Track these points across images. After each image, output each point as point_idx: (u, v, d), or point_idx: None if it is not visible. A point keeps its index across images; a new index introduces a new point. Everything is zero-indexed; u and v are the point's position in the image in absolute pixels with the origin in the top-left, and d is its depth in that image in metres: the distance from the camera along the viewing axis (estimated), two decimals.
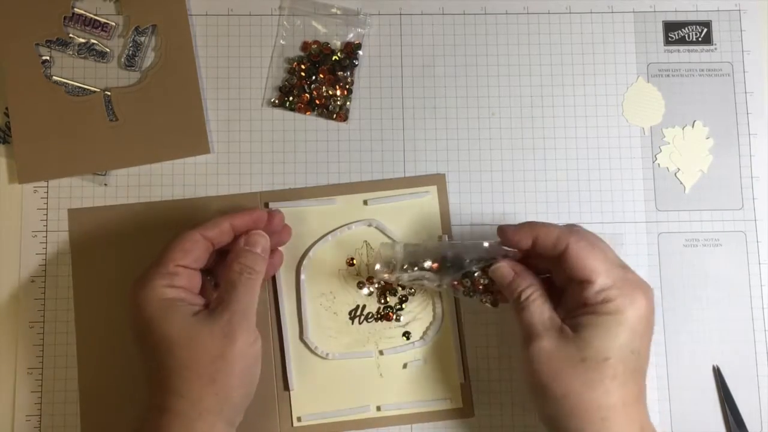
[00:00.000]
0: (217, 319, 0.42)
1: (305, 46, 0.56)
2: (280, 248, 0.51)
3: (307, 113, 0.55)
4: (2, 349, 0.53)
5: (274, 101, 0.55)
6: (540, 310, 0.44)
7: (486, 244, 0.47)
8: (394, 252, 0.48)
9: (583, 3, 0.57)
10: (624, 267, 0.44)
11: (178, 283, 0.44)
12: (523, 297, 0.44)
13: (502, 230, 0.46)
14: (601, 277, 0.42)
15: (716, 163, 0.56)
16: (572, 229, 0.44)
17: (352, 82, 0.55)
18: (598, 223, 0.55)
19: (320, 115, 0.55)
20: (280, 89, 0.55)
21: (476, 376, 0.53)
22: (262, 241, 0.46)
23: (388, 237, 0.54)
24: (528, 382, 0.43)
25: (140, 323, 0.43)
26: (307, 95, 0.55)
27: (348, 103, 0.55)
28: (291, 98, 0.55)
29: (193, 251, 0.45)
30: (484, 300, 0.48)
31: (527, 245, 0.45)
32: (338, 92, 0.55)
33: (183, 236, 0.45)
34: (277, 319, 0.53)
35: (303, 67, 0.55)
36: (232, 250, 0.46)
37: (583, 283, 0.43)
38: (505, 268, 0.46)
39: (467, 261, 0.48)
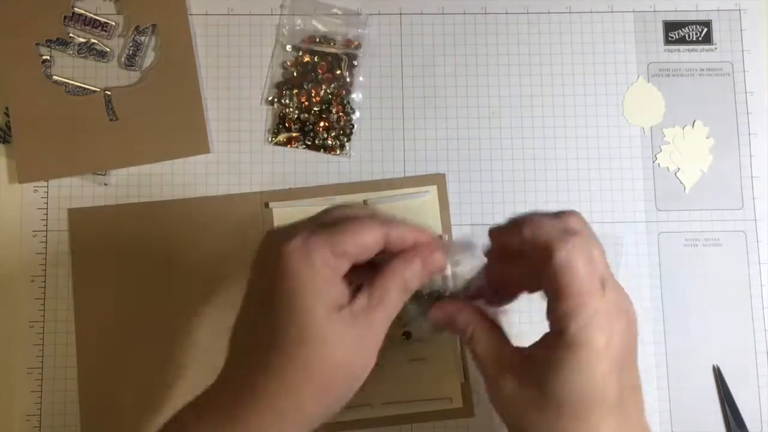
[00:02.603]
0: (358, 326, 0.37)
1: (305, 45, 0.56)
2: None
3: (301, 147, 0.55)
4: (2, 349, 0.52)
5: (271, 99, 0.55)
6: (487, 346, 0.39)
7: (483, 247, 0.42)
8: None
9: (583, 3, 0.57)
10: (605, 287, 0.37)
11: (338, 267, 0.37)
12: (468, 334, 0.40)
13: (490, 233, 0.41)
14: (568, 301, 0.36)
15: (716, 162, 0.56)
16: (566, 235, 0.37)
17: (352, 83, 0.55)
18: (598, 223, 0.55)
19: (318, 147, 0.55)
20: (278, 86, 0.55)
21: (476, 376, 0.53)
22: (435, 271, 0.40)
23: None
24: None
25: (281, 289, 0.36)
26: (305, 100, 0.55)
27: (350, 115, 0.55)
28: (288, 95, 0.55)
29: (369, 250, 0.38)
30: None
31: (513, 246, 0.39)
32: (336, 109, 0.55)
33: (367, 229, 0.37)
34: None
35: (302, 66, 0.55)
36: (404, 259, 0.39)
37: (558, 300, 0.36)
38: (442, 310, 0.41)
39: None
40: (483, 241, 0.42)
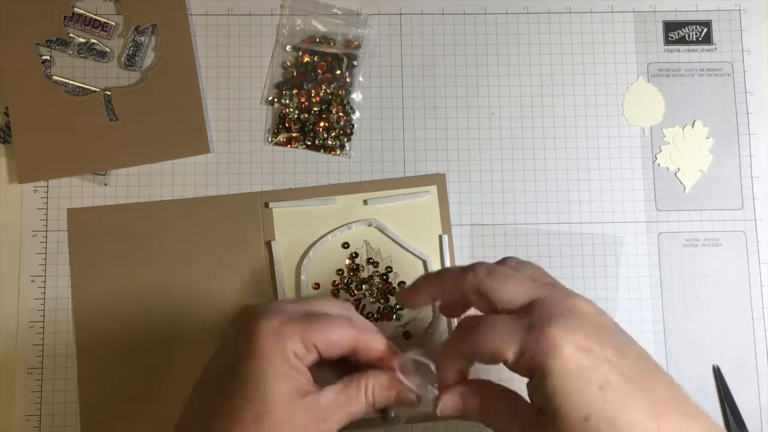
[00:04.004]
0: (318, 416, 0.37)
1: (305, 45, 0.56)
2: None
3: (300, 146, 0.55)
4: (2, 349, 0.52)
5: (271, 99, 0.55)
6: (504, 415, 0.37)
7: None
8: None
9: (583, 3, 0.57)
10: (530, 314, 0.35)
11: (306, 357, 0.38)
12: (483, 413, 0.38)
13: (399, 296, 0.40)
14: (508, 351, 0.34)
15: (716, 163, 0.56)
16: (468, 268, 0.37)
17: (352, 83, 0.55)
18: (598, 222, 0.55)
19: (318, 147, 0.55)
20: (278, 86, 0.55)
21: (476, 376, 0.52)
22: (402, 393, 0.40)
23: (388, 237, 0.54)
24: None
25: (248, 368, 0.37)
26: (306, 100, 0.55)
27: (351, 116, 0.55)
28: (288, 95, 0.55)
29: (335, 351, 0.38)
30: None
31: (426, 305, 0.40)
32: (337, 112, 0.55)
33: (339, 330, 0.38)
34: None
35: (302, 66, 0.55)
36: (379, 373, 0.39)
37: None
38: (447, 406, 0.39)
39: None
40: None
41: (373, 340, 0.39)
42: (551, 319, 0.34)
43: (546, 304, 0.35)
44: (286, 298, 0.40)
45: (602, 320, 0.36)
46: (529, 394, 0.36)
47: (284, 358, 0.37)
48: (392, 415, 0.42)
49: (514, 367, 0.35)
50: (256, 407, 0.36)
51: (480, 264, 0.38)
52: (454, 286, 0.38)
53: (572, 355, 0.33)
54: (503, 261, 0.41)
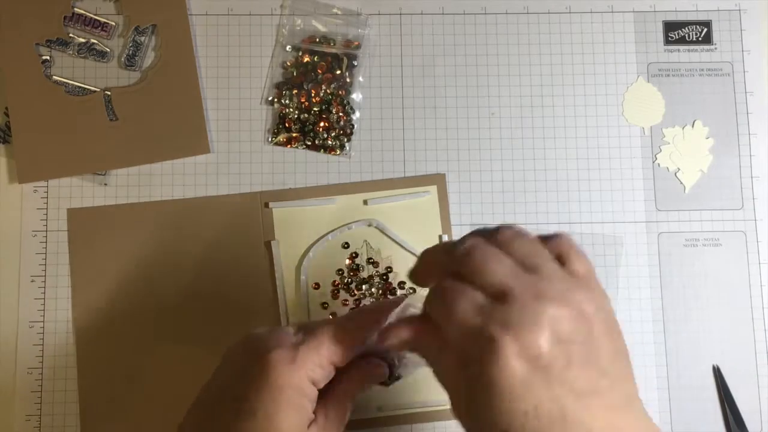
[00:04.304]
0: None
1: (305, 45, 0.56)
2: None
3: (300, 146, 0.55)
4: (2, 349, 0.52)
5: (271, 99, 0.55)
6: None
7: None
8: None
9: (583, 3, 0.57)
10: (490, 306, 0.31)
11: (324, 378, 0.37)
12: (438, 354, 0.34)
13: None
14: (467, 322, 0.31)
15: (716, 163, 0.56)
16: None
17: (352, 83, 0.55)
18: (598, 222, 0.55)
19: (318, 148, 0.55)
20: (278, 86, 0.55)
21: None
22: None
23: (388, 237, 0.54)
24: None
25: (259, 396, 0.35)
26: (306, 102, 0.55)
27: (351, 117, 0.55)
28: (288, 95, 0.55)
29: (337, 362, 0.37)
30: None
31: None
32: (338, 112, 0.55)
33: (338, 342, 0.37)
34: (277, 319, 0.53)
35: (302, 66, 0.55)
36: (348, 377, 0.39)
37: None
38: (399, 332, 0.35)
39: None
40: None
41: (394, 327, 0.35)
42: (508, 325, 0.30)
43: (515, 303, 0.30)
44: (290, 326, 0.40)
45: (570, 336, 0.30)
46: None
47: (299, 389, 0.36)
48: (397, 373, 0.41)
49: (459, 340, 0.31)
50: None
51: (469, 239, 0.33)
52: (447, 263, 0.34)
53: (511, 374, 0.29)
54: (497, 230, 0.34)
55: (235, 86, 0.56)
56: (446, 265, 0.33)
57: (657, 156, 0.56)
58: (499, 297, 0.31)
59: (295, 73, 0.56)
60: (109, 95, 0.55)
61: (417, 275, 0.36)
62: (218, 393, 0.37)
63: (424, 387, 0.52)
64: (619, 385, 0.31)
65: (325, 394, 0.38)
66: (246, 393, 0.35)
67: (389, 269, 0.53)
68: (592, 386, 0.30)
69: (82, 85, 0.55)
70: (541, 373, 0.30)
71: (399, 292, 0.53)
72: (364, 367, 0.39)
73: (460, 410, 0.32)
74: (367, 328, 0.37)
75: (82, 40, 0.55)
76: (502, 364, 0.29)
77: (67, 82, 0.55)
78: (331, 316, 0.53)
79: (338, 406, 0.38)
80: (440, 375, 0.34)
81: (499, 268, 0.32)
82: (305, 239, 0.53)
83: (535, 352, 0.29)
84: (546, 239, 0.34)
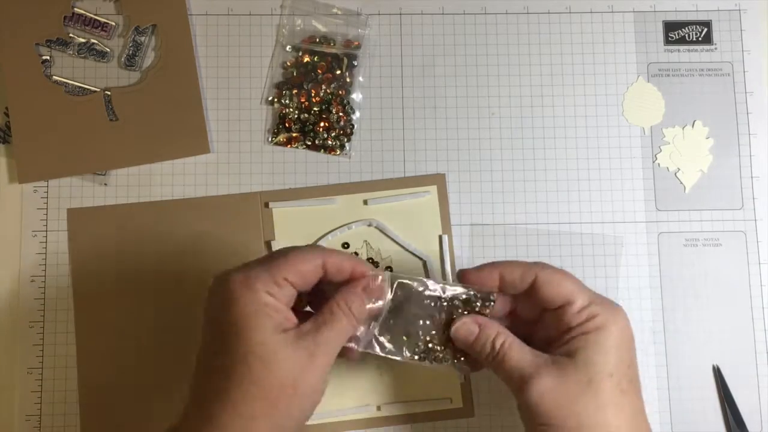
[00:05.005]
0: (304, 348, 0.39)
1: (305, 45, 0.56)
2: None
3: (300, 146, 0.55)
4: (2, 349, 0.52)
5: (271, 99, 0.55)
6: (522, 351, 0.41)
7: (450, 293, 0.43)
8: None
9: (583, 3, 0.57)
10: (593, 291, 0.43)
11: (280, 295, 0.40)
12: (497, 346, 0.41)
13: (464, 274, 0.43)
14: (580, 297, 0.41)
15: (716, 163, 0.56)
16: (537, 263, 0.43)
17: (352, 83, 0.55)
18: (598, 222, 0.55)
19: (317, 147, 0.55)
20: (278, 86, 0.55)
21: (476, 376, 0.53)
22: (376, 299, 0.42)
23: (388, 237, 0.54)
24: (535, 427, 0.40)
25: (227, 318, 0.39)
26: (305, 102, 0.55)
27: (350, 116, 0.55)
28: (288, 95, 0.55)
29: (307, 277, 0.41)
30: (457, 363, 0.43)
31: (493, 286, 0.43)
32: (337, 111, 0.55)
33: (304, 256, 0.41)
34: None
35: (302, 66, 0.55)
36: (347, 286, 0.42)
37: (563, 307, 0.41)
38: (467, 325, 0.42)
39: (421, 323, 0.43)
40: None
41: (342, 258, 0.42)
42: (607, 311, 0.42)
43: (601, 308, 0.41)
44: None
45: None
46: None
47: (257, 299, 0.39)
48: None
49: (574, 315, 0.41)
50: (241, 348, 0.38)
51: (543, 263, 0.43)
52: (521, 276, 0.42)
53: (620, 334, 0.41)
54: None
55: (235, 86, 0.56)
56: (526, 274, 0.42)
57: (657, 156, 0.56)
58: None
59: (295, 73, 0.56)
60: (109, 95, 0.55)
61: (476, 274, 0.43)
62: (204, 329, 0.41)
63: (424, 386, 0.52)
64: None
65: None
66: (219, 318, 0.40)
67: (389, 269, 0.53)
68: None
69: (82, 85, 0.55)
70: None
71: None
72: (358, 281, 0.42)
73: (543, 383, 0.40)
74: (321, 259, 0.41)
75: (82, 40, 0.55)
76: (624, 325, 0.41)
77: (67, 82, 0.55)
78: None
79: (329, 310, 0.41)
80: (511, 359, 0.41)
81: (581, 284, 0.43)
82: (305, 239, 0.53)
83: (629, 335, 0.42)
84: None
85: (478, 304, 0.43)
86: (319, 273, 0.42)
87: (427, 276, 0.53)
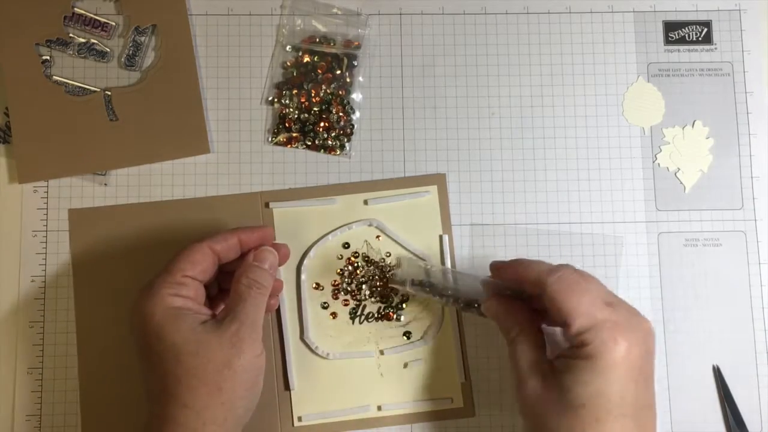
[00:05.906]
0: (225, 329, 0.42)
1: (305, 45, 0.56)
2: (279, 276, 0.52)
3: (300, 146, 0.55)
4: (2, 349, 0.52)
5: (271, 99, 0.55)
6: (524, 352, 0.43)
7: (480, 283, 0.47)
8: (403, 269, 0.51)
9: (583, 3, 0.57)
10: (612, 305, 0.42)
11: (185, 293, 0.44)
12: (509, 338, 0.44)
13: (492, 265, 0.47)
14: (579, 320, 0.40)
15: (716, 163, 0.56)
16: (555, 268, 0.43)
17: (352, 83, 0.55)
18: (598, 223, 0.55)
19: (317, 148, 0.55)
20: (278, 86, 0.55)
21: (477, 375, 0.53)
22: (270, 258, 0.47)
23: (389, 237, 0.54)
24: (521, 422, 0.43)
25: (147, 332, 0.42)
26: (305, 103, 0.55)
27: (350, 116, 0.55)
28: (288, 95, 0.55)
29: (202, 263, 0.45)
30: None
31: (515, 283, 0.45)
32: (337, 111, 0.55)
33: (192, 248, 0.45)
34: (277, 319, 0.53)
35: (302, 66, 0.55)
36: (241, 264, 0.46)
37: (563, 324, 0.41)
38: (492, 306, 0.46)
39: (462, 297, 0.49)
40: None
41: (224, 236, 0.46)
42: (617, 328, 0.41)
43: (598, 335, 0.40)
44: None
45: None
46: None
47: (165, 304, 0.42)
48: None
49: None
50: (169, 353, 0.41)
51: (566, 267, 0.43)
52: (535, 281, 0.43)
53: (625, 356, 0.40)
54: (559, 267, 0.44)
55: (235, 86, 0.56)
56: (543, 280, 0.42)
57: (657, 156, 0.56)
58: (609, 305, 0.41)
59: (295, 73, 0.56)
60: (109, 95, 0.55)
61: (502, 269, 0.46)
62: (136, 349, 0.45)
63: (424, 386, 0.52)
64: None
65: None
66: (141, 336, 0.43)
67: (389, 269, 0.53)
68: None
69: (82, 85, 0.55)
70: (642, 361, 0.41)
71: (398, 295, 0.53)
72: (248, 253, 0.47)
73: (529, 388, 0.42)
74: (206, 244, 0.45)
75: (82, 40, 0.55)
76: (623, 356, 0.40)
77: (67, 82, 0.55)
78: (331, 317, 0.53)
79: (234, 290, 0.44)
80: (515, 354, 0.43)
81: (597, 301, 0.42)
82: (305, 239, 0.53)
83: (640, 348, 0.41)
84: None
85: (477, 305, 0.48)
86: (213, 258, 0.45)
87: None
